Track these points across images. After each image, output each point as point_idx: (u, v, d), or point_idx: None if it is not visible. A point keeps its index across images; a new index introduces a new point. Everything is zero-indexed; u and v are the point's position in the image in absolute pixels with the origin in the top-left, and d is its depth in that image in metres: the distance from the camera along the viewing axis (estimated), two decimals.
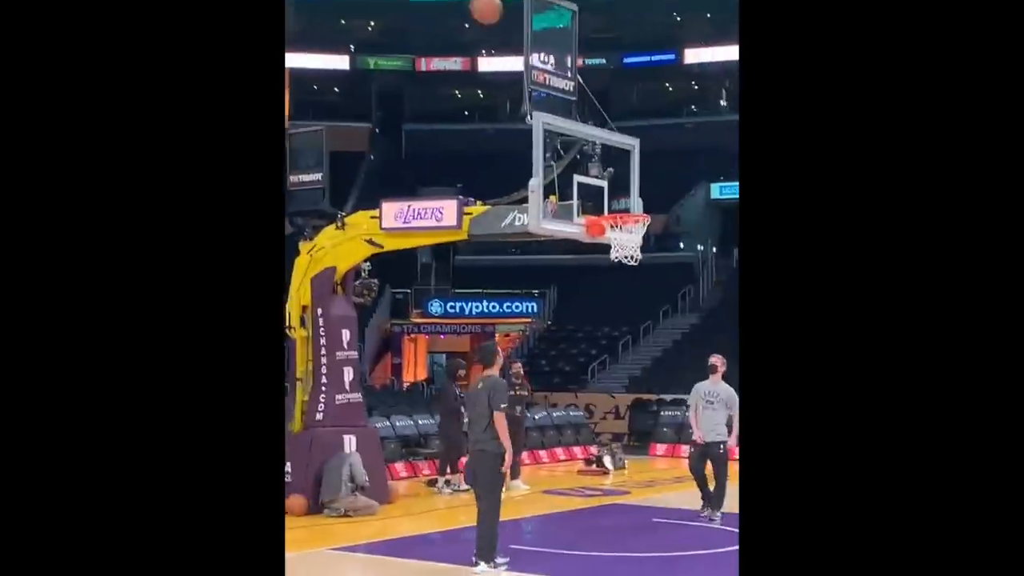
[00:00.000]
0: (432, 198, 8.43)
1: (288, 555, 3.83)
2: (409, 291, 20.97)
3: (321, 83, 25.95)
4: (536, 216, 6.44)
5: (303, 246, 8.32)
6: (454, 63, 25.36)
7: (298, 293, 8.08)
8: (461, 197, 8.03)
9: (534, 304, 20.37)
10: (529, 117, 6.37)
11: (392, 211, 7.91)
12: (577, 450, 12.01)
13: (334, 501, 7.29)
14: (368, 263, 8.46)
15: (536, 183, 6.37)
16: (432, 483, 9.25)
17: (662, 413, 13.03)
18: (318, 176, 9.26)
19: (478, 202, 7.83)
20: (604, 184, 6.79)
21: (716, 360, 7.17)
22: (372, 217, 8.06)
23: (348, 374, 8.19)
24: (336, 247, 8.18)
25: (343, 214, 8.54)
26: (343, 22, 25.30)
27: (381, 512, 7.57)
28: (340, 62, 24.98)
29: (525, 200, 6.73)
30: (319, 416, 7.92)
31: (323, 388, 7.94)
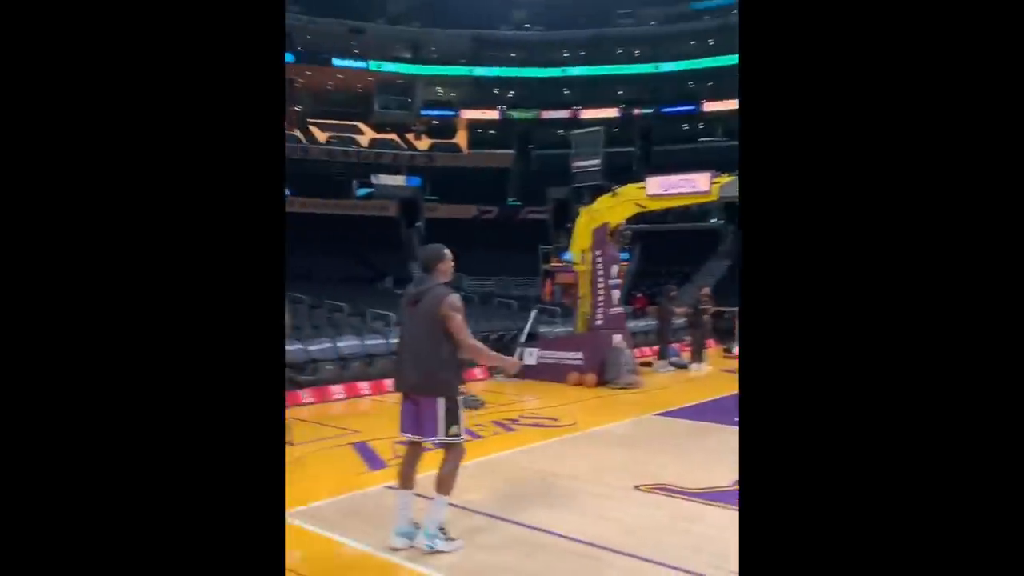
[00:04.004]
0: (688, 172, 12.03)
1: (627, 420, 8.73)
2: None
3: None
4: None
5: (583, 209, 12.92)
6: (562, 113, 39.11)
7: (579, 241, 12.45)
8: (714, 171, 11.61)
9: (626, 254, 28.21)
10: None
11: (655, 183, 12.06)
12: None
13: (617, 378, 11.22)
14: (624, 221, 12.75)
15: None
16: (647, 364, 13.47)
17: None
18: (596, 161, 17.34)
19: (725, 174, 11.44)
20: None
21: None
22: (639, 187, 12.15)
23: (615, 295, 12.31)
24: (609, 209, 12.34)
25: (615, 186, 12.91)
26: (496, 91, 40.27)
27: (644, 387, 11.22)
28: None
29: None
30: (599, 322, 12.04)
31: (600, 303, 12.04)
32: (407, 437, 4.39)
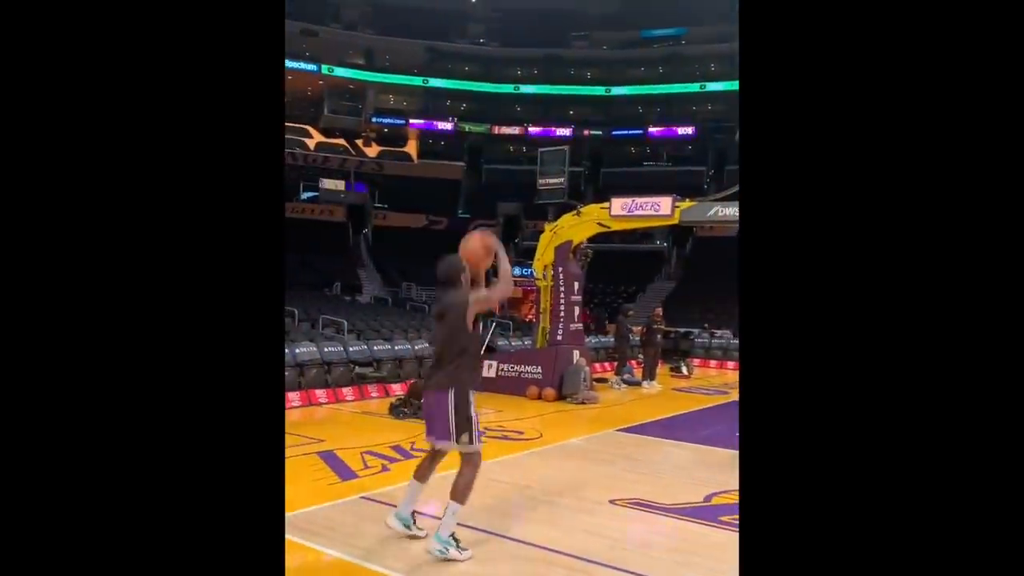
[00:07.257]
0: (651, 195, 12.45)
1: (591, 435, 8.90)
2: None
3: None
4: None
5: (548, 226, 13.07)
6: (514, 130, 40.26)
7: (543, 257, 12.70)
8: (676, 196, 12.11)
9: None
10: None
11: (619, 204, 12.33)
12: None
13: (575, 394, 11.48)
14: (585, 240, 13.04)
15: None
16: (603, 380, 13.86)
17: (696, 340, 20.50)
18: (561, 180, 17.84)
19: (687, 199, 12.11)
20: None
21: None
22: (602, 208, 12.52)
23: (575, 311, 12.67)
24: (572, 227, 12.67)
25: (580, 205, 13.35)
26: (448, 102, 40.76)
27: (601, 403, 11.52)
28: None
29: (725, 199, 11.46)
30: (559, 337, 12.37)
31: (561, 319, 12.41)
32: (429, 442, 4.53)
